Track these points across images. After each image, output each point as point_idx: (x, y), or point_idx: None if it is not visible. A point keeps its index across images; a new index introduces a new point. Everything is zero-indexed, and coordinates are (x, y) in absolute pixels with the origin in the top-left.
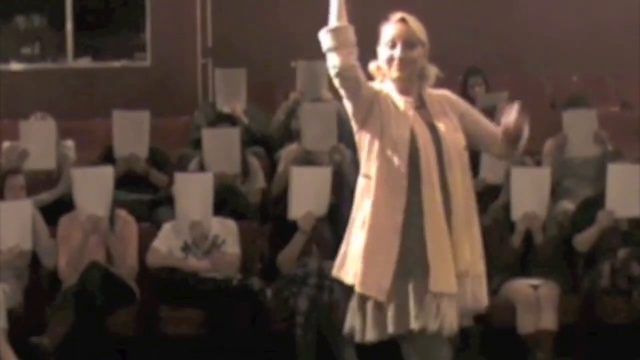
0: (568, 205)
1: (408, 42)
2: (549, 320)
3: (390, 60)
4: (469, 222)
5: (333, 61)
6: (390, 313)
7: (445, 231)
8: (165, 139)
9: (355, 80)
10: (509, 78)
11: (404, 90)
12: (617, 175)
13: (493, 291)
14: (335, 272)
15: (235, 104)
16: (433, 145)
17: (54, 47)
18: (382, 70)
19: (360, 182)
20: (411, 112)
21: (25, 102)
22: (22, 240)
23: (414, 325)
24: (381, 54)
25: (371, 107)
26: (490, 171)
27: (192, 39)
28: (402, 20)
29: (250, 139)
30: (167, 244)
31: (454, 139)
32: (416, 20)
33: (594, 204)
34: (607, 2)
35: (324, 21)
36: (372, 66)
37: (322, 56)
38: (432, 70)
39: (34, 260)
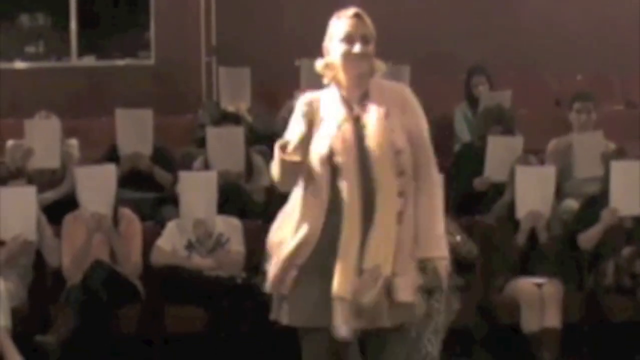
0: (572, 204)
1: (365, 37)
2: (553, 319)
3: (347, 55)
4: (391, 224)
5: (273, 171)
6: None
7: (358, 234)
8: (170, 138)
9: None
10: (513, 77)
11: (353, 87)
12: (621, 172)
13: (498, 289)
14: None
15: (240, 102)
16: (356, 148)
17: (58, 46)
18: (335, 66)
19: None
20: (343, 116)
21: (29, 101)
22: (27, 229)
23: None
24: (334, 50)
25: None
26: (495, 169)
27: (196, 38)
28: (357, 15)
29: (254, 138)
30: (171, 242)
31: (384, 140)
32: (366, 15)
33: (598, 202)
34: (612, 1)
35: (328, 20)
36: (319, 64)
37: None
38: (380, 66)
39: (38, 259)
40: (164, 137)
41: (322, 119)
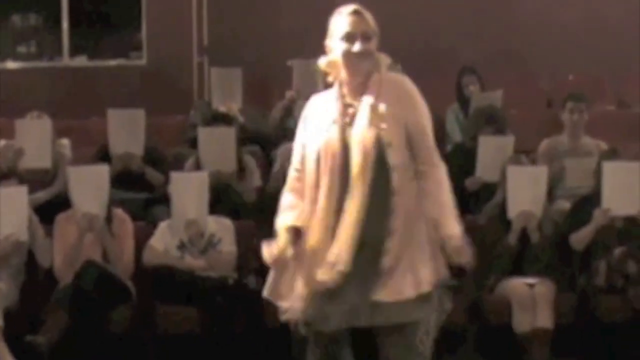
0: (564, 204)
1: (366, 34)
2: (544, 319)
3: (347, 55)
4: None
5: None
6: None
7: (327, 235)
8: (161, 138)
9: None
10: (505, 77)
11: (355, 85)
12: (612, 173)
13: (489, 290)
14: None
15: (231, 102)
16: (341, 151)
17: (50, 46)
18: (337, 65)
19: None
20: (332, 119)
21: (21, 101)
22: (18, 229)
23: None
24: (336, 48)
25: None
26: (486, 169)
27: (187, 38)
28: (357, 12)
29: (246, 138)
30: (163, 242)
31: (369, 140)
32: (367, 11)
33: (589, 202)
34: (605, 1)
35: (320, 20)
36: (322, 62)
37: (318, 55)
38: (384, 60)
39: (30, 259)
40: (155, 137)
41: (319, 121)
